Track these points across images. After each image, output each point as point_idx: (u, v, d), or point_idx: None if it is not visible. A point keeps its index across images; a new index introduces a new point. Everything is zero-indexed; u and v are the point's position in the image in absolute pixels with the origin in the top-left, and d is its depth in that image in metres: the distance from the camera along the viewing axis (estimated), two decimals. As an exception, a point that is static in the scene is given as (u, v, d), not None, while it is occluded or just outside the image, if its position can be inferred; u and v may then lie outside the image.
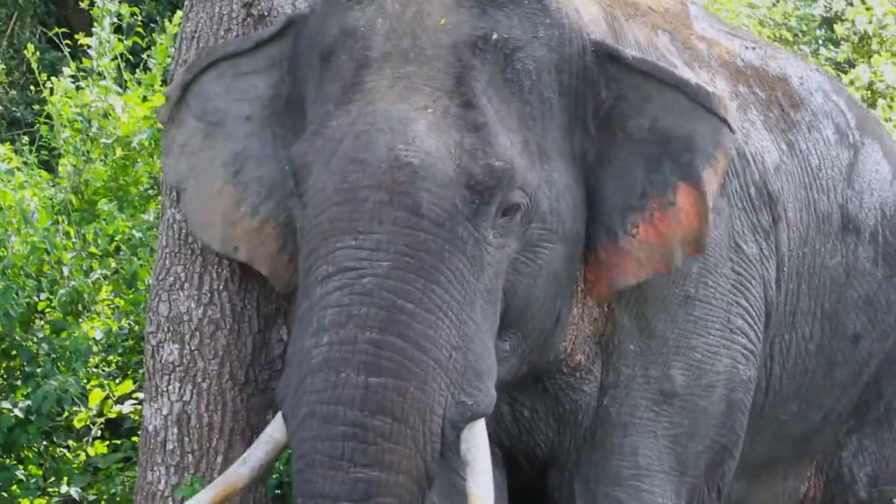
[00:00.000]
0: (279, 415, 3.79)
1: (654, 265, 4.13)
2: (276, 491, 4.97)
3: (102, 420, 5.62)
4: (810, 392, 5.05)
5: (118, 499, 5.35)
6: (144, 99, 6.71)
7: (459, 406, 3.62)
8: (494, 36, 3.86)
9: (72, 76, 6.97)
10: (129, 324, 5.83)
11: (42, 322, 5.80)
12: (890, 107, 8.96)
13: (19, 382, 5.53)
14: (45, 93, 7.08)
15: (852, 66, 9.79)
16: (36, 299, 5.73)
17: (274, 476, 4.88)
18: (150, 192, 6.49)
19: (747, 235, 4.50)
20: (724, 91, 4.50)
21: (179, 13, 6.77)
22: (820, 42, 11.42)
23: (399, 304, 3.55)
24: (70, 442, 5.68)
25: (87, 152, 6.65)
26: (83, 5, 7.27)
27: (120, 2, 7.00)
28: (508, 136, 3.80)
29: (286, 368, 3.78)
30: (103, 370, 5.83)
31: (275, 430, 3.84)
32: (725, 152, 4.11)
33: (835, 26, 10.91)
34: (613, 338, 4.36)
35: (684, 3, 4.83)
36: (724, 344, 4.47)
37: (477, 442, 3.67)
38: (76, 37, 7.60)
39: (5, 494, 5.30)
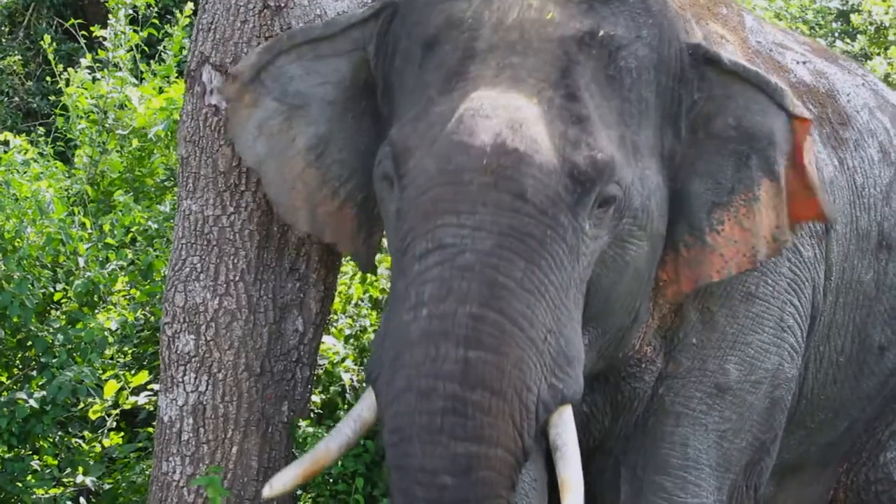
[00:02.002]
0: (368, 393, 3.81)
1: (739, 262, 4.16)
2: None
3: (118, 411, 5.62)
4: (837, 402, 5.10)
5: (134, 489, 5.35)
6: (160, 90, 6.73)
7: (552, 389, 3.61)
8: (601, 32, 3.89)
9: (88, 67, 6.99)
10: (145, 315, 5.84)
11: (58, 313, 5.82)
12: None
13: (35, 373, 5.54)
14: (62, 84, 7.11)
15: (868, 58, 9.76)
16: (52, 290, 5.74)
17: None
18: (166, 183, 6.51)
19: (804, 239, 4.55)
20: None
21: (191, 4, 6.81)
22: (836, 34, 11.39)
23: (501, 281, 3.54)
24: (86, 433, 5.69)
25: (103, 143, 6.67)
26: (99, -3, 7.28)
27: (135, -7, 7.02)
28: (607, 132, 3.83)
29: (377, 346, 3.75)
30: (119, 361, 5.84)
31: (363, 408, 3.86)
32: (794, 144, 4.13)
33: (851, 17, 10.87)
34: (679, 331, 4.42)
35: (740, 13, 4.84)
36: (775, 342, 4.53)
37: (566, 428, 3.68)
38: (92, 28, 7.62)
39: (20, 484, 5.31)
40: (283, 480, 3.93)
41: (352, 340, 5.74)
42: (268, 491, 3.94)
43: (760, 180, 4.11)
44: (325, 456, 3.89)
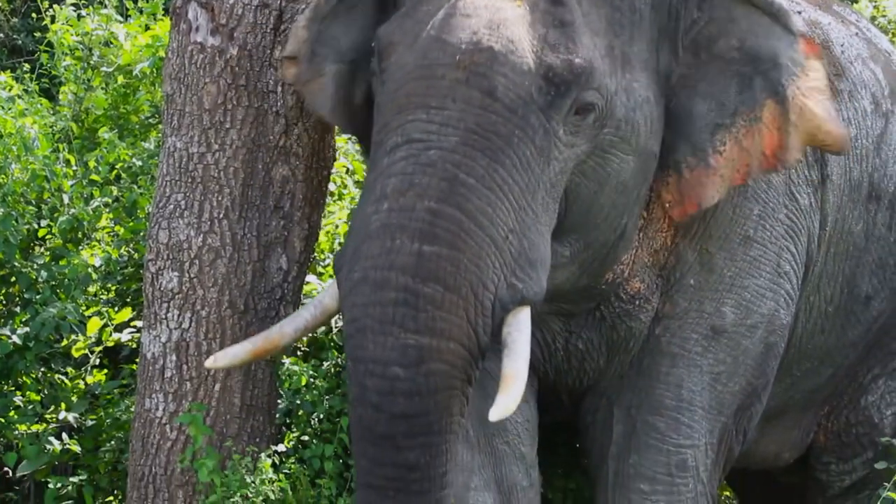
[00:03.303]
0: (332, 281, 3.85)
1: (732, 177, 4.16)
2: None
3: (101, 348, 5.61)
4: (823, 351, 5.16)
5: (117, 425, 5.35)
6: (146, 27, 6.68)
7: (511, 288, 3.63)
8: None
9: (73, 4, 6.95)
10: (129, 251, 5.82)
11: (42, 249, 5.81)
12: (892, 42, 8.91)
13: (18, 309, 5.54)
14: (47, 20, 7.06)
15: (855, 0, 9.73)
16: (36, 226, 5.73)
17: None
18: (150, 120, 6.47)
19: (802, 187, 4.58)
20: None
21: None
22: (824, -22, 11.33)
23: (461, 178, 3.58)
24: (69, 369, 5.68)
25: (88, 80, 6.64)
26: (85, -68, 7.22)
27: (122, -72, 6.97)
28: (593, 38, 3.84)
29: (347, 237, 3.79)
30: (102, 297, 5.83)
31: (326, 295, 3.92)
32: (803, 66, 4.15)
33: (840, -42, 10.83)
34: (676, 270, 4.45)
35: None
36: (771, 287, 4.57)
37: (520, 327, 3.68)
38: (78, -35, 7.56)
39: (3, 420, 5.31)
40: (232, 354, 4.01)
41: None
42: (211, 362, 4.00)
43: (764, 101, 4.11)
44: (279, 338, 3.97)
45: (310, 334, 5.21)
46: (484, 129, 3.62)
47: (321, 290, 5.47)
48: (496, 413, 3.57)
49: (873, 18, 9.02)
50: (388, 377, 3.51)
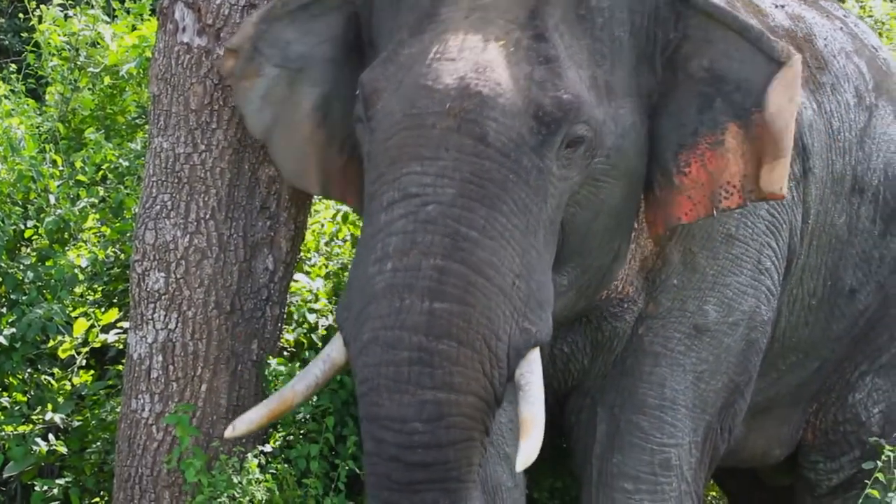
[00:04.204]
0: (338, 335, 3.83)
1: (705, 205, 4.12)
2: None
3: (87, 349, 5.61)
4: (808, 344, 5.16)
5: (103, 426, 5.35)
6: (133, 28, 6.69)
7: (524, 333, 3.64)
8: None
9: (60, 4, 6.95)
10: (115, 252, 5.82)
11: (28, 250, 5.80)
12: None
13: (4, 310, 5.52)
14: (34, 21, 7.06)
15: (842, 0, 9.75)
16: (22, 227, 5.72)
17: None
18: (137, 120, 6.47)
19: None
20: None
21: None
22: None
23: (463, 232, 3.57)
24: (55, 370, 5.68)
25: (75, 81, 6.64)
26: (73, -68, 7.22)
27: (109, -71, 6.96)
28: (577, 71, 3.83)
29: (346, 292, 3.79)
30: (89, 298, 5.82)
31: (333, 349, 3.90)
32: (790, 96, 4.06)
33: (824, -40, 10.85)
34: (661, 272, 4.47)
35: None
36: (752, 284, 4.57)
37: (532, 368, 3.69)
38: (65, -35, 7.55)
39: (-10, 421, 5.32)
40: (248, 420, 3.99)
41: (331, 278, 5.74)
42: (230, 431, 3.99)
43: (726, 124, 4.05)
44: (292, 397, 3.94)
45: (294, 335, 5.23)
46: (479, 178, 3.61)
47: (308, 287, 5.48)
48: (522, 461, 3.60)
49: (860, 18, 9.05)
50: (407, 431, 3.51)
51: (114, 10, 7.07)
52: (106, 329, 5.56)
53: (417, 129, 3.66)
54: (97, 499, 5.39)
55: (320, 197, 5.14)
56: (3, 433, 5.28)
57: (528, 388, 3.67)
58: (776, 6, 4.95)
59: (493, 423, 3.69)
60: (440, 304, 3.52)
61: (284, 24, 4.28)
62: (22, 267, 5.54)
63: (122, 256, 5.77)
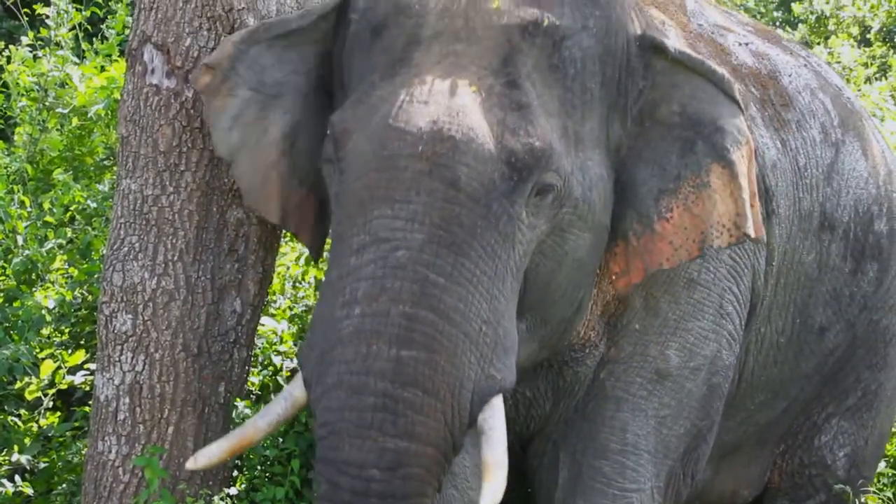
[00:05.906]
0: (300, 374, 3.82)
1: (689, 248, 4.17)
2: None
3: (54, 391, 5.59)
4: (777, 383, 5.17)
5: (70, 468, 5.33)
6: (102, 69, 6.70)
7: (489, 380, 3.65)
8: (546, 22, 3.89)
9: (29, 45, 6.96)
10: (83, 293, 5.81)
11: (-5, 290, 5.79)
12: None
13: (-29, 351, 5.51)
14: (2, 61, 7.05)
15: (809, 46, 9.85)
16: (-11, 268, 5.72)
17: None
18: (105, 162, 6.48)
19: None
20: None
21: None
22: (778, 23, 11.48)
23: (431, 279, 3.57)
24: (22, 412, 5.66)
25: (44, 122, 6.64)
26: (41, -26, 7.23)
27: (78, -29, 6.98)
28: (549, 120, 3.83)
29: (310, 332, 3.78)
30: (56, 340, 5.81)
31: (295, 388, 3.88)
32: (748, 138, 4.16)
33: (792, 6, 10.97)
34: (623, 317, 4.46)
35: None
36: (714, 329, 4.58)
37: (494, 412, 3.68)
38: (34, 6, 7.56)
39: (-45, 461, 5.30)
40: (209, 454, 3.97)
41: (296, 320, 5.74)
42: (191, 464, 3.97)
43: (709, 165, 4.12)
44: (254, 433, 3.93)
45: (260, 377, 5.23)
46: (448, 223, 3.61)
47: (274, 331, 5.48)
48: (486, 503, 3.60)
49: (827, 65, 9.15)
50: (364, 477, 3.50)
51: (83, 50, 7.08)
52: (73, 371, 5.55)
53: (389, 171, 3.66)
54: (63, 540, 5.37)
55: (286, 239, 5.14)
56: (-31, 474, 5.26)
57: (491, 433, 3.67)
58: (740, 44, 4.98)
59: (446, 477, 3.68)
60: (407, 352, 3.51)
61: (263, 48, 4.28)
62: (-11, 308, 5.53)
63: (90, 298, 5.77)
